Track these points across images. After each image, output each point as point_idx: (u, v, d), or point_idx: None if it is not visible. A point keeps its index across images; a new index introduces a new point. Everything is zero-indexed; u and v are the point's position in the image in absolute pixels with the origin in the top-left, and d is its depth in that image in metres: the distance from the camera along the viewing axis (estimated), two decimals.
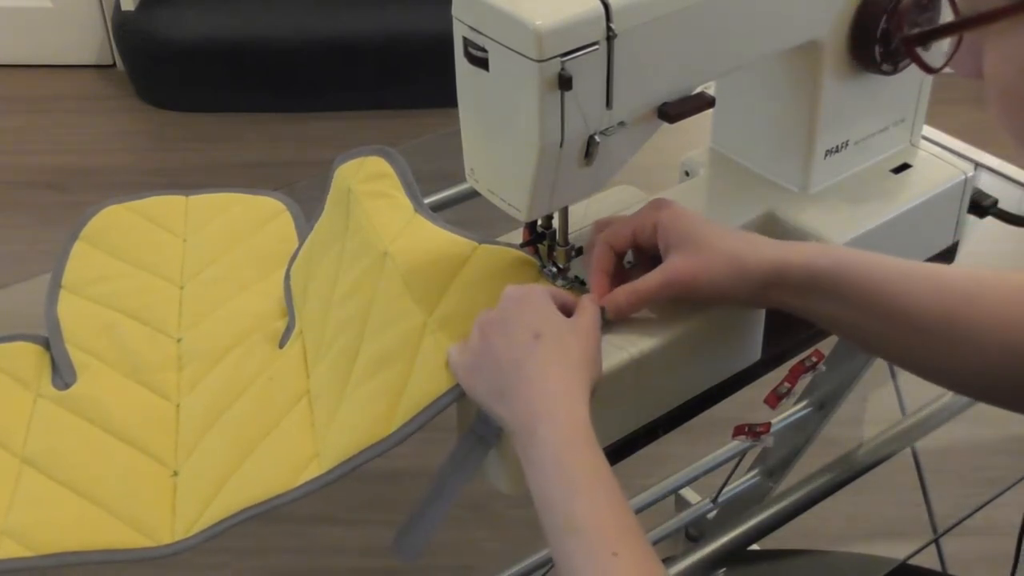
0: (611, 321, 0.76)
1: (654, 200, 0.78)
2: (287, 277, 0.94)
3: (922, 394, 0.91)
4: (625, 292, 0.75)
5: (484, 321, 0.71)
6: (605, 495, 0.62)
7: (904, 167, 0.92)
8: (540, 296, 0.72)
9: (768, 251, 0.73)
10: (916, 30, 0.53)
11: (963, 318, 0.69)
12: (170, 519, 0.78)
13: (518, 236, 0.84)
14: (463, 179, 0.79)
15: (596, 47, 0.68)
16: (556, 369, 0.67)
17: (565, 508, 0.62)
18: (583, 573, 0.59)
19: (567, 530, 0.61)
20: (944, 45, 0.57)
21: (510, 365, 0.68)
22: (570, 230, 0.80)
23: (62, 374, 0.87)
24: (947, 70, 0.57)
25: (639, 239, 0.77)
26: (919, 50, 0.55)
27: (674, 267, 0.74)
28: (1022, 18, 0.49)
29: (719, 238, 0.74)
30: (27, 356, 0.89)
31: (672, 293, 0.74)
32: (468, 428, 0.73)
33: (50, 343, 0.90)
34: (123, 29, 2.71)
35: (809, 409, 1.23)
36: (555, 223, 0.81)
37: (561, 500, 0.62)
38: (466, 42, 0.70)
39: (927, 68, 0.57)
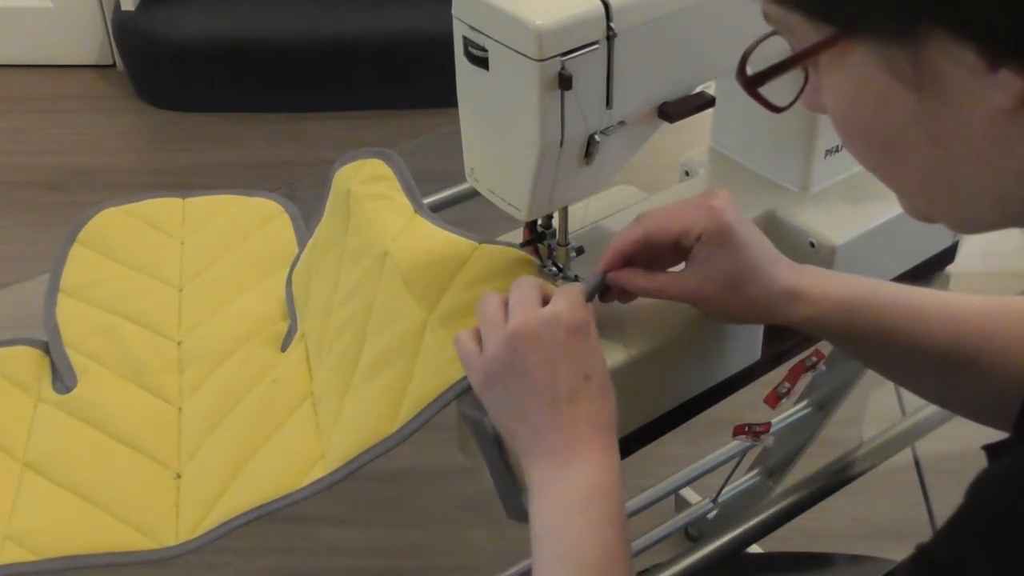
0: (604, 301, 0.76)
1: (712, 198, 0.72)
2: (289, 282, 0.94)
3: None
4: (638, 283, 0.74)
5: (518, 333, 0.66)
6: (621, 544, 0.63)
7: None
8: (589, 329, 0.68)
9: (785, 309, 0.73)
10: (751, 72, 0.55)
11: (977, 354, 0.70)
12: (174, 521, 0.78)
13: (518, 236, 0.84)
14: (463, 179, 0.79)
15: (596, 47, 0.68)
16: (602, 416, 0.67)
17: (577, 542, 0.63)
18: None
19: (572, 564, 0.62)
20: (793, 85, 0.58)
21: (553, 398, 0.66)
22: (570, 230, 0.80)
23: (63, 378, 0.87)
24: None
25: (682, 242, 0.73)
26: (763, 92, 0.57)
27: (694, 289, 0.73)
28: (839, 52, 0.51)
29: (747, 281, 0.72)
30: (27, 360, 0.89)
31: (682, 301, 0.74)
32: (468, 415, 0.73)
33: (50, 347, 0.89)
34: (123, 29, 2.71)
35: (809, 409, 1.23)
36: (555, 223, 0.81)
37: (575, 533, 0.63)
38: (466, 42, 0.70)
39: (772, 107, 0.58)
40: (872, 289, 0.73)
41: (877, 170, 0.56)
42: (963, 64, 0.47)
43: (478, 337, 0.70)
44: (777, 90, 0.57)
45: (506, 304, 0.70)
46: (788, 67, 0.54)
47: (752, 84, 0.56)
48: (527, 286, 0.70)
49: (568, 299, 0.68)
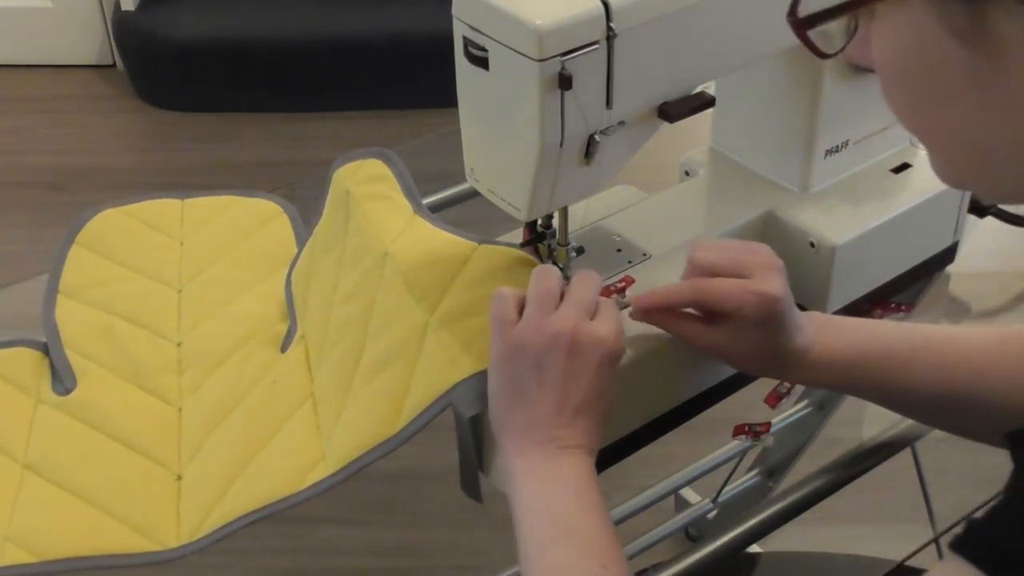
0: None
1: (768, 284, 0.71)
2: (288, 282, 0.94)
3: None
4: (667, 323, 0.75)
5: (565, 334, 0.68)
6: (612, 528, 0.66)
7: (904, 167, 0.92)
8: (620, 360, 0.70)
9: (790, 373, 0.76)
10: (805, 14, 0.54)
11: (976, 395, 0.72)
12: (175, 523, 0.78)
13: (518, 236, 0.84)
14: (463, 179, 0.79)
15: (596, 47, 0.68)
16: (594, 437, 0.70)
17: (576, 521, 0.65)
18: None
19: (575, 541, 0.64)
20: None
21: (564, 402, 0.68)
22: (570, 230, 0.80)
23: (62, 379, 0.87)
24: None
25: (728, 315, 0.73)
26: (811, 35, 0.56)
27: (720, 346, 0.74)
28: (897, 0, 0.49)
29: (769, 352, 0.74)
30: (26, 362, 0.89)
31: (703, 350, 0.76)
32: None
33: (49, 348, 0.89)
34: (123, 29, 2.71)
35: (809, 409, 1.23)
36: (555, 223, 0.81)
37: (574, 514, 0.66)
38: (466, 42, 0.70)
39: (819, 53, 0.58)
40: (869, 341, 0.75)
41: (916, 128, 0.55)
42: None
43: (520, 306, 0.70)
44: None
45: (561, 292, 0.71)
46: (843, 12, 0.52)
47: (802, 26, 0.54)
48: (590, 285, 0.71)
49: (618, 326, 0.70)
